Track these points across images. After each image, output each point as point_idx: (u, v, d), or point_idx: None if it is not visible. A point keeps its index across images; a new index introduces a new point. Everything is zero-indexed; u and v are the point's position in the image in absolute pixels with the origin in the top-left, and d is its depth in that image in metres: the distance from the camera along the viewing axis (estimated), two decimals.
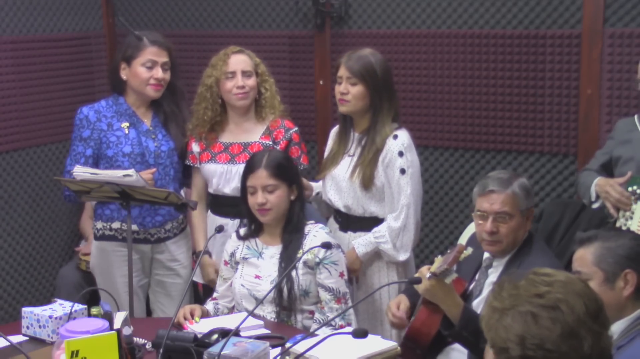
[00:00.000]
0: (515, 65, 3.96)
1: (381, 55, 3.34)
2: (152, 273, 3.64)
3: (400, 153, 3.21)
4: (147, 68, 3.46)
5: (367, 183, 3.24)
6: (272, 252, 3.05)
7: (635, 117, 3.26)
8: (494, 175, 2.91)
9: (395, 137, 3.23)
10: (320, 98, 4.39)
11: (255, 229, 3.11)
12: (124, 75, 3.51)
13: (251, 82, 3.45)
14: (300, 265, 2.96)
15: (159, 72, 3.47)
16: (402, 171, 3.20)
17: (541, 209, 3.79)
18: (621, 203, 3.04)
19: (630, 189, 3.03)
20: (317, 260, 2.97)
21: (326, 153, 3.48)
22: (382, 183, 3.24)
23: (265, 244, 3.08)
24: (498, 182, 2.83)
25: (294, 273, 2.95)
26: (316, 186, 3.49)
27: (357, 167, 3.27)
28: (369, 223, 3.30)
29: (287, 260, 2.96)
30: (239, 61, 3.46)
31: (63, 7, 4.62)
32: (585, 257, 2.30)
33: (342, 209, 3.33)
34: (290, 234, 3.03)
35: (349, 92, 3.25)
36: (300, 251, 2.97)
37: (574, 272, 2.31)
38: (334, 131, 3.48)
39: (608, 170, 3.29)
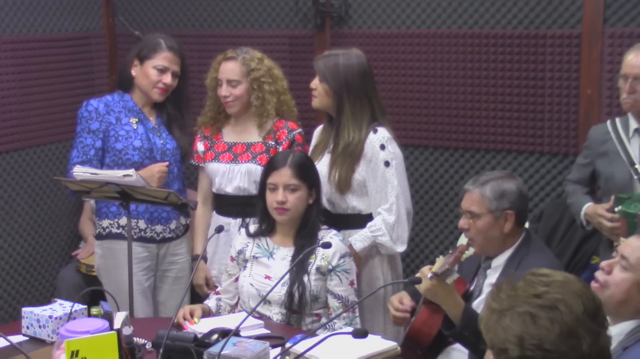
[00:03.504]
0: (515, 65, 3.96)
1: (359, 58, 3.30)
2: (157, 270, 3.65)
3: (382, 146, 3.23)
4: (158, 72, 3.49)
5: (343, 187, 3.27)
6: (283, 253, 3.04)
7: (608, 122, 3.25)
8: (483, 174, 2.94)
9: (375, 131, 3.25)
10: None
11: (266, 228, 3.10)
12: (134, 72, 3.54)
13: (237, 91, 3.46)
14: (313, 270, 2.96)
15: (168, 78, 3.50)
16: (387, 163, 3.22)
17: (541, 209, 3.80)
18: (615, 230, 3.03)
19: (617, 209, 3.01)
20: (330, 267, 2.97)
21: (311, 148, 3.50)
22: (363, 177, 3.26)
23: (277, 244, 3.07)
24: (473, 181, 2.89)
25: (306, 278, 2.95)
26: None
27: (332, 168, 3.29)
28: (353, 220, 3.30)
29: (299, 264, 2.94)
30: (227, 70, 3.48)
31: (63, 7, 4.62)
32: (638, 248, 2.18)
33: (326, 205, 3.35)
34: (304, 238, 3.01)
35: (317, 88, 3.32)
36: (313, 256, 2.98)
37: (620, 255, 2.20)
38: (320, 128, 3.51)
39: (593, 181, 3.29)
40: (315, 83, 3.32)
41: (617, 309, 2.17)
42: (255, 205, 3.19)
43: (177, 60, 3.54)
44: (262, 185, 3.07)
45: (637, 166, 3.13)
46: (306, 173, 3.03)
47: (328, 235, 3.04)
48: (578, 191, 3.30)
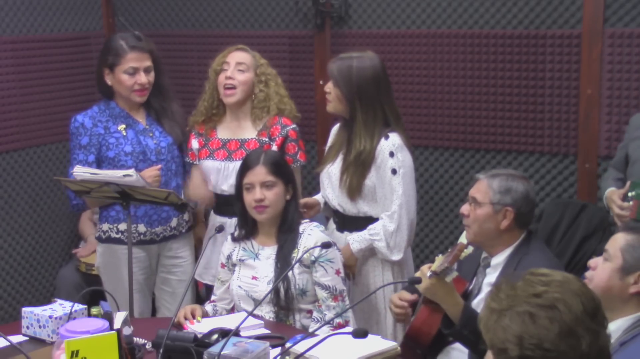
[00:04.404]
0: (515, 65, 3.96)
1: (372, 61, 3.24)
2: (158, 271, 3.65)
3: (391, 154, 3.20)
4: (130, 75, 3.46)
5: (353, 194, 3.26)
6: (268, 253, 3.05)
7: None
8: (500, 168, 2.99)
9: (387, 137, 3.22)
10: (320, 98, 4.38)
11: (249, 230, 3.11)
12: (109, 81, 3.52)
13: (243, 77, 3.47)
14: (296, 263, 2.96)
15: (141, 78, 3.47)
16: (394, 171, 3.20)
17: (541, 209, 3.79)
18: (621, 217, 3.05)
19: (630, 194, 3.01)
20: (313, 258, 2.97)
21: (327, 147, 3.49)
22: (374, 183, 3.24)
23: (261, 245, 3.08)
24: (486, 172, 2.95)
25: (290, 272, 2.95)
26: (319, 198, 3.50)
27: (344, 174, 3.28)
28: (364, 222, 3.30)
29: (283, 259, 2.96)
30: (237, 55, 3.51)
31: (63, 7, 4.62)
32: (618, 240, 2.32)
33: (338, 207, 3.34)
34: (285, 234, 3.03)
35: (331, 92, 3.28)
36: (296, 250, 2.98)
37: (604, 250, 2.34)
38: (337, 126, 3.49)
39: (627, 165, 3.29)
40: (329, 87, 3.28)
41: (603, 300, 2.19)
42: None
43: (145, 56, 3.50)
44: (239, 187, 3.07)
45: None
46: (281, 169, 3.04)
47: (309, 227, 3.05)
48: (609, 176, 3.30)
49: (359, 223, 3.31)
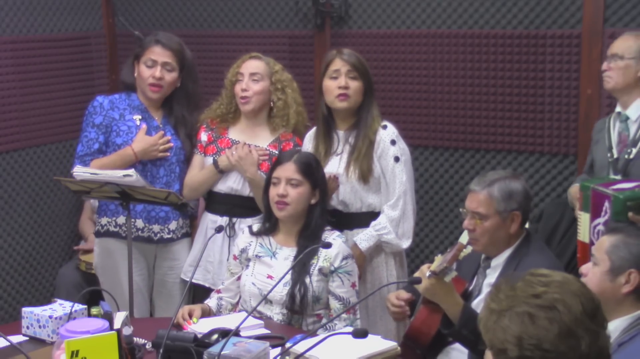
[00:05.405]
0: (515, 65, 3.96)
1: None
2: (155, 272, 3.65)
3: (393, 142, 3.27)
4: (148, 67, 3.50)
5: (366, 175, 3.28)
6: (286, 253, 3.04)
7: (610, 116, 3.29)
8: (487, 173, 2.92)
9: (385, 127, 3.30)
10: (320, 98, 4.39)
11: (270, 227, 3.11)
12: (135, 72, 3.57)
13: (258, 86, 3.44)
14: (315, 271, 2.96)
15: (156, 72, 3.49)
16: (397, 159, 3.26)
17: (541, 209, 3.79)
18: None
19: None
20: (332, 268, 2.97)
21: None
22: (379, 173, 3.28)
23: (279, 244, 3.07)
24: (480, 182, 2.85)
25: (308, 279, 2.95)
26: None
27: (351, 162, 3.29)
28: (366, 218, 3.31)
29: (301, 265, 2.94)
30: (251, 65, 3.47)
31: (63, 7, 4.62)
32: (603, 243, 2.34)
33: (339, 207, 3.34)
34: (306, 239, 3.01)
35: (350, 87, 3.28)
36: (316, 257, 2.97)
37: (591, 254, 2.37)
38: (310, 135, 3.48)
39: None
40: (347, 81, 3.28)
41: None
42: (244, 206, 3.20)
43: (167, 53, 3.52)
44: (267, 181, 3.08)
45: (613, 150, 3.16)
46: (310, 171, 3.04)
47: (331, 236, 3.03)
48: (579, 179, 3.33)
49: (360, 218, 3.32)
